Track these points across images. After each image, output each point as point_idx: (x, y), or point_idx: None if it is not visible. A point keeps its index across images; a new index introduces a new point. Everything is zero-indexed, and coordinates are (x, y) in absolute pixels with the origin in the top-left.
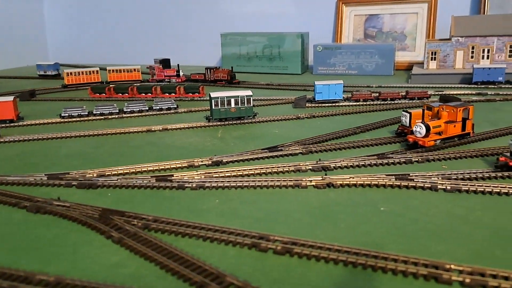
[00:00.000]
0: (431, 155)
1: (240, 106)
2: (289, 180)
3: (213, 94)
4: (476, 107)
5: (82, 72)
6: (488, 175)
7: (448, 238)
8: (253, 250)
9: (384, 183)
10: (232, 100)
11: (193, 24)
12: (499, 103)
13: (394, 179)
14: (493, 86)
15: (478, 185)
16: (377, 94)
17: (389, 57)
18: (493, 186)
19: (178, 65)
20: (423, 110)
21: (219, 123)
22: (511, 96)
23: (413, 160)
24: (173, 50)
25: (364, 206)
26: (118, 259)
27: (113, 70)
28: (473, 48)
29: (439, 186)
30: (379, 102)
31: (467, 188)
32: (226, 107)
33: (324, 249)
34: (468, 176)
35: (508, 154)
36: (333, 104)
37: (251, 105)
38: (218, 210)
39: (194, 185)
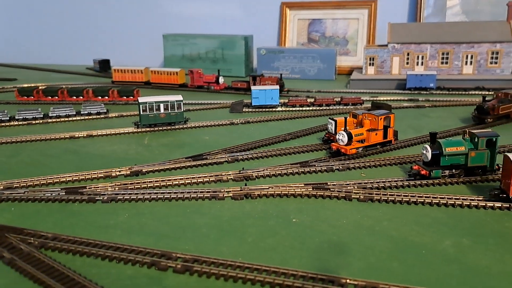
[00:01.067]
0: (352, 163)
1: (170, 111)
2: (206, 192)
3: (141, 99)
4: (405, 113)
5: (129, 70)
6: (401, 184)
7: (350, 251)
8: (152, 269)
9: (301, 193)
10: (162, 106)
11: (134, 24)
12: (428, 109)
13: (311, 189)
14: (425, 92)
15: (390, 194)
16: (313, 100)
17: (330, 61)
18: (404, 195)
19: (218, 70)
20: (345, 119)
21: (148, 129)
22: (440, 102)
23: (334, 168)
24: (113, 50)
25: (277, 218)
26: (5, 283)
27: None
28: (408, 54)
29: (353, 196)
30: (314, 108)
31: (379, 198)
32: (155, 112)
33: (225, 266)
34: (382, 185)
35: (421, 162)
36: (270, 110)
37: (182, 110)
38: (125, 225)
39: (105, 197)
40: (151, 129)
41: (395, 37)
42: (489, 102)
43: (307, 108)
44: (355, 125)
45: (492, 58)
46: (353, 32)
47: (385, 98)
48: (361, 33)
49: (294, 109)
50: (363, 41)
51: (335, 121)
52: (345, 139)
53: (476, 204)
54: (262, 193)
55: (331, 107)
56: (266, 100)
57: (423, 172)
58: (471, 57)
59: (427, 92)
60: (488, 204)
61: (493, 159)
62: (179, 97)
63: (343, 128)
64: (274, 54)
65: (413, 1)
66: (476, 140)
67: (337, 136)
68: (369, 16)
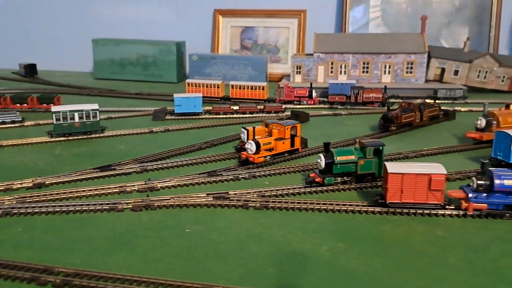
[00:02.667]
0: (258, 172)
1: (85, 120)
2: (106, 204)
3: (55, 108)
4: (323, 121)
5: (203, 84)
6: (298, 191)
7: (233, 258)
8: (32, 285)
9: (201, 203)
10: (76, 114)
11: (62, 27)
12: (344, 117)
13: (211, 199)
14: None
15: (284, 202)
16: (237, 108)
17: (261, 68)
18: (297, 202)
19: (311, 84)
20: (253, 128)
21: (62, 138)
22: (356, 110)
23: (240, 177)
24: (40, 54)
25: (171, 228)
26: None
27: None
28: (332, 63)
29: (250, 204)
30: (238, 116)
31: (273, 205)
32: (69, 121)
33: (105, 279)
34: (280, 193)
35: (317, 170)
36: (194, 117)
37: (98, 119)
38: (15, 240)
39: (0, 211)
40: (66, 138)
41: (320, 47)
42: (393, 111)
43: (231, 116)
44: (266, 134)
45: (407, 68)
46: (284, 41)
47: (308, 106)
48: (292, 41)
49: (218, 116)
50: (293, 49)
51: (247, 130)
52: (253, 148)
53: (359, 209)
54: (162, 204)
55: (254, 115)
56: (189, 107)
57: (317, 179)
58: (389, 67)
59: (348, 101)
60: (369, 209)
61: (380, 167)
62: (95, 106)
63: (259, 137)
64: (206, 60)
65: (339, 13)
66: (364, 149)
67: (246, 145)
68: (299, 26)
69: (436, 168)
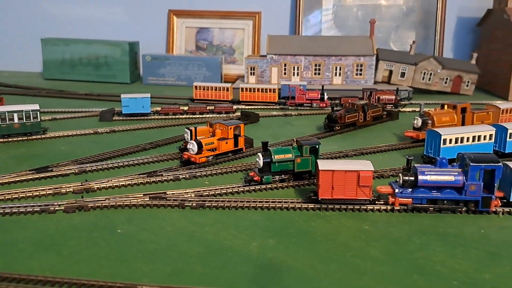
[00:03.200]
0: (200, 172)
1: (25, 121)
2: (37, 206)
3: None
4: (272, 121)
5: (211, 88)
6: (237, 190)
7: (162, 257)
8: None
9: (136, 203)
10: (15, 115)
11: (9, 26)
12: (294, 118)
13: (148, 199)
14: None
15: (221, 200)
16: (186, 108)
17: (216, 69)
18: (234, 201)
19: (322, 86)
20: (195, 128)
21: (0, 140)
22: (306, 111)
23: (180, 177)
24: None
25: (103, 229)
26: None
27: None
28: (285, 65)
29: (186, 204)
30: (188, 116)
31: (210, 204)
32: (8, 122)
33: (25, 282)
34: (219, 192)
35: (257, 169)
36: (142, 118)
37: (39, 120)
38: None
39: None
40: (4, 140)
41: (273, 49)
42: (337, 112)
43: (181, 117)
44: (210, 134)
45: (357, 70)
46: (239, 42)
47: (261, 107)
48: (247, 43)
49: (167, 117)
50: (248, 50)
51: (191, 130)
52: (195, 148)
53: (293, 206)
54: (96, 205)
55: (204, 116)
56: (137, 108)
57: (256, 178)
58: (340, 69)
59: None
60: (302, 206)
61: (317, 164)
62: (36, 106)
63: (202, 137)
64: (160, 61)
65: (293, 15)
66: (301, 148)
67: (188, 146)
68: (254, 27)
69: (364, 165)
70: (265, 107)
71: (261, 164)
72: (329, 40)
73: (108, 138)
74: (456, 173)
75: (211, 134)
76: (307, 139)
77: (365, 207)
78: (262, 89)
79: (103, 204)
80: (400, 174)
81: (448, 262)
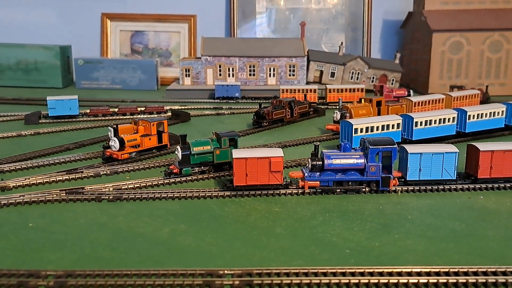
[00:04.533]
0: (121, 167)
1: None
2: None
3: None
4: (204, 120)
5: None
6: (157, 183)
7: (70, 246)
8: None
9: (51, 198)
10: None
11: None
12: (226, 116)
13: (63, 194)
14: (232, 101)
15: (139, 193)
16: (116, 109)
17: (151, 72)
18: (152, 192)
19: (408, 84)
20: (116, 126)
21: None
22: (239, 109)
23: (101, 173)
24: None
25: (14, 224)
26: None
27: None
28: (220, 66)
29: (103, 197)
30: (118, 117)
31: (127, 197)
32: None
33: None
34: (138, 185)
35: (177, 162)
36: (70, 120)
37: None
38: None
39: None
40: None
41: (207, 50)
42: (265, 108)
43: (110, 117)
44: (135, 131)
45: (290, 70)
46: (176, 45)
47: (195, 107)
48: (183, 46)
49: (96, 118)
50: (185, 53)
51: (114, 128)
52: (117, 145)
53: (210, 195)
54: (9, 202)
55: (135, 116)
56: (64, 110)
57: (175, 170)
58: (274, 70)
59: (234, 101)
60: (219, 194)
61: (231, 153)
62: None
63: (125, 135)
64: (93, 64)
65: (228, 18)
66: (220, 139)
67: (110, 143)
68: (189, 30)
69: (275, 152)
70: (200, 107)
71: (180, 156)
72: (262, 42)
73: (32, 140)
74: (358, 156)
75: (135, 131)
76: (227, 131)
77: (278, 192)
78: (349, 89)
79: (17, 201)
80: (309, 159)
81: (344, 234)
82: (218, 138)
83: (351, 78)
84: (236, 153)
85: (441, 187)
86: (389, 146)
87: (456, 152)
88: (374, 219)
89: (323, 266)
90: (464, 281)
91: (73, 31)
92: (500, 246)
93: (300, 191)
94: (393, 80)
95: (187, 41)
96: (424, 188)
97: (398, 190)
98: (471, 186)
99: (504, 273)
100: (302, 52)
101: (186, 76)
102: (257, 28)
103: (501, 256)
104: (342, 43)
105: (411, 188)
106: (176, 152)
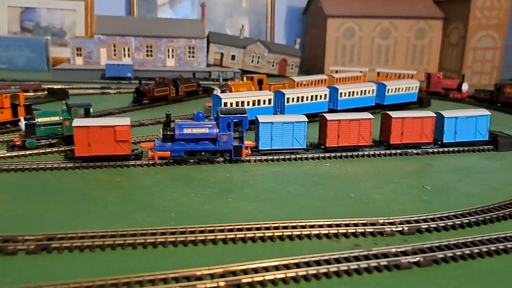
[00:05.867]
0: None
1: None
2: None
3: None
4: (87, 98)
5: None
6: (3, 155)
7: None
8: None
9: None
10: None
11: None
12: (112, 96)
13: None
14: (124, 82)
15: None
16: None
17: (40, 51)
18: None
19: (463, 76)
20: None
21: None
22: (128, 89)
23: None
24: None
25: None
26: None
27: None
28: (115, 46)
29: None
30: None
31: None
32: None
33: None
34: None
35: (22, 135)
36: None
37: None
38: None
39: None
40: None
41: (101, 29)
42: (146, 86)
43: None
44: None
45: (190, 52)
46: (71, 24)
47: (85, 86)
48: (79, 24)
49: None
50: (81, 32)
51: None
52: None
53: (50, 166)
54: None
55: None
56: None
57: (18, 143)
58: (172, 51)
59: (127, 82)
60: (60, 166)
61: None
62: None
63: None
64: None
65: None
66: (70, 110)
67: None
68: (86, 9)
69: (121, 121)
70: (89, 86)
71: (23, 127)
72: (160, 22)
73: None
74: (211, 126)
75: None
76: (80, 102)
77: (127, 163)
78: (399, 74)
79: None
80: (161, 129)
81: (180, 200)
82: (68, 109)
83: (252, 62)
84: (77, 122)
85: (293, 156)
86: (240, 115)
87: (305, 122)
88: (217, 185)
89: (142, 227)
90: (271, 234)
91: None
92: (324, 204)
93: (151, 162)
94: (292, 65)
95: (83, 19)
96: (277, 157)
97: (252, 159)
98: (321, 155)
99: (310, 226)
100: (202, 33)
101: (77, 55)
102: (158, 9)
103: (323, 212)
104: (243, 26)
105: (264, 158)
106: (20, 123)
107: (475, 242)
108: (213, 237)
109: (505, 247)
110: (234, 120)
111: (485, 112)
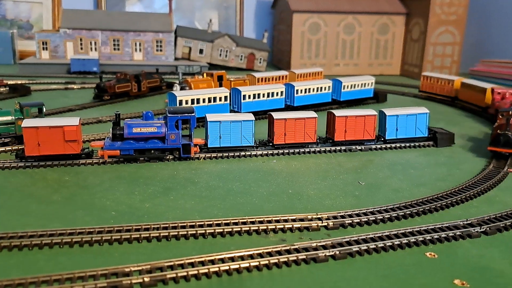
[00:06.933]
0: None
1: None
2: None
3: None
4: (49, 94)
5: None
6: None
7: None
8: None
9: None
10: None
11: None
12: (75, 91)
13: None
14: (91, 76)
15: None
16: None
17: (5, 44)
18: None
19: None
20: None
21: None
22: (93, 84)
23: None
24: None
25: None
26: None
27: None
28: (81, 40)
29: None
30: None
31: None
32: None
33: None
34: None
35: None
36: None
37: None
38: None
39: None
40: None
41: (67, 23)
42: (107, 82)
43: None
44: None
45: (157, 46)
46: (38, 17)
47: (49, 81)
48: (46, 18)
49: None
50: (48, 26)
51: None
52: None
53: (1, 166)
54: None
55: None
56: None
57: None
58: (140, 45)
59: (93, 76)
60: (12, 165)
61: None
62: None
63: None
64: None
65: None
66: (22, 109)
67: None
68: (53, 1)
69: (70, 121)
70: (52, 81)
71: None
72: (127, 15)
73: None
74: (159, 125)
75: None
76: (32, 102)
77: (77, 162)
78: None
79: None
80: (111, 129)
81: (121, 198)
82: (21, 108)
83: (220, 56)
84: (27, 122)
85: (242, 153)
86: (187, 114)
87: (252, 120)
88: (161, 183)
89: (81, 227)
90: (203, 232)
91: None
92: (261, 201)
93: (101, 160)
94: (261, 59)
95: (50, 13)
96: (227, 155)
97: (201, 157)
98: (269, 151)
99: (235, 223)
100: (169, 27)
101: (43, 49)
102: (127, 2)
103: (259, 209)
104: (211, 20)
105: (214, 155)
106: None
107: (390, 236)
108: (147, 235)
109: (416, 241)
110: (181, 119)
111: (425, 110)
